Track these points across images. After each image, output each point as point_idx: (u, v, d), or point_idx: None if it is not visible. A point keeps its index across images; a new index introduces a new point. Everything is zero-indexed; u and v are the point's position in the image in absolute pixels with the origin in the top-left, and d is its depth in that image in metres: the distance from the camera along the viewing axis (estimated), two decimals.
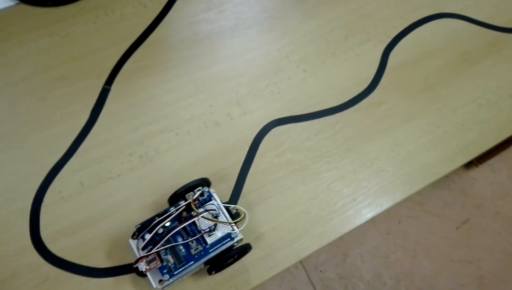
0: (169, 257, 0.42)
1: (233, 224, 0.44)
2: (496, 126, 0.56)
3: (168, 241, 0.43)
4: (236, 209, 0.46)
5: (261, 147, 0.53)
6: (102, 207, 0.49)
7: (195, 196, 0.45)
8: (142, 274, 0.42)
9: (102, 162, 0.50)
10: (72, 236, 0.47)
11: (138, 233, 0.43)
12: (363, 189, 0.51)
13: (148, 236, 0.42)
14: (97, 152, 0.51)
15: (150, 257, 0.42)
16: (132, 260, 0.42)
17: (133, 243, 0.43)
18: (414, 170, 0.52)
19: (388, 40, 0.61)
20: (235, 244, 0.45)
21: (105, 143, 0.52)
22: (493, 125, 0.56)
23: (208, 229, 0.43)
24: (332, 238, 0.49)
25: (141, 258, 0.41)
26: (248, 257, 0.47)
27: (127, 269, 0.46)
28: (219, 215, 0.44)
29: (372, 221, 1.07)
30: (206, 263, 0.44)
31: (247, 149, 0.53)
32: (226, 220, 0.44)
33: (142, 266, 0.41)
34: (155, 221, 0.43)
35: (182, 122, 0.54)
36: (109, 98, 0.55)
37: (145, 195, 0.49)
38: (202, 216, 0.43)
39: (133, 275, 0.45)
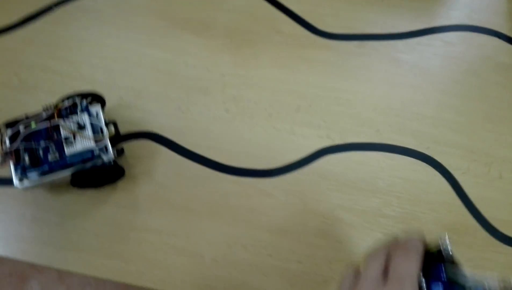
0: (27, 157, 0.44)
1: (94, 139, 0.45)
2: None
3: (28, 141, 0.45)
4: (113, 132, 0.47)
5: None
6: None
7: (65, 104, 0.46)
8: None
9: None
10: None
11: (6, 133, 0.45)
12: None
13: (9, 132, 0.45)
14: None
15: (9, 151, 0.44)
16: None
17: None
18: None
19: None
20: (103, 162, 0.46)
21: None
22: None
23: (66, 139, 0.45)
24: None
25: (1, 152, 0.44)
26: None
27: None
28: (86, 130, 0.45)
29: None
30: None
31: None
32: (86, 135, 0.45)
33: None
34: (21, 120, 0.45)
35: None
36: None
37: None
38: (62, 125, 0.44)
39: None
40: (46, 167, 0.45)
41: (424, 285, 0.28)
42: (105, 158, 0.47)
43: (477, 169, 0.53)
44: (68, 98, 0.48)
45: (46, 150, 0.45)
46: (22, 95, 0.56)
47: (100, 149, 0.46)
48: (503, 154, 0.53)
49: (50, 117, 0.45)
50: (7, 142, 0.45)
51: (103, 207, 0.51)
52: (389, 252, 0.31)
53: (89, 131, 0.46)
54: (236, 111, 0.56)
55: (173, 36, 0.60)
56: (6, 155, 0.44)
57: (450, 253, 0.30)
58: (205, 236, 0.50)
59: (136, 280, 0.49)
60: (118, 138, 0.50)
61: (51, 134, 0.46)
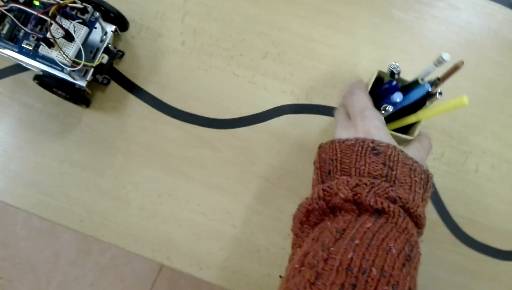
0: (7, 28, 0.41)
1: (74, 60, 0.39)
2: None
3: (17, 15, 0.40)
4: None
5: None
6: None
7: (69, 3, 0.39)
8: None
9: None
10: None
11: None
12: None
13: None
14: None
15: None
16: None
17: None
18: None
19: None
20: (73, 81, 0.42)
21: None
22: None
23: (44, 38, 0.38)
24: None
25: None
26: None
27: None
28: (73, 41, 0.40)
29: None
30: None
31: None
32: (65, 51, 0.39)
33: None
34: None
35: None
36: None
37: None
38: (53, 23, 0.38)
39: None
40: (16, 49, 0.41)
41: (386, 106, 0.36)
42: (77, 82, 0.42)
43: (452, 157, 0.47)
44: (84, 1, 0.41)
45: (25, 36, 0.41)
46: None
47: (74, 72, 0.40)
48: (486, 145, 0.47)
49: (52, 7, 0.39)
50: (2, 1, 0.40)
51: (43, 123, 0.45)
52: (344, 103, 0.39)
53: (72, 48, 0.39)
54: (193, 45, 0.48)
55: None
56: None
57: (398, 68, 0.37)
58: (135, 181, 0.45)
59: (51, 215, 0.44)
60: (105, 70, 0.43)
61: (42, 25, 0.40)
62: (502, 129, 0.47)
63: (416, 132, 0.39)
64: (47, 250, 1.14)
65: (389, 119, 0.40)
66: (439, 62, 0.32)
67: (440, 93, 0.37)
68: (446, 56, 0.32)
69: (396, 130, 0.40)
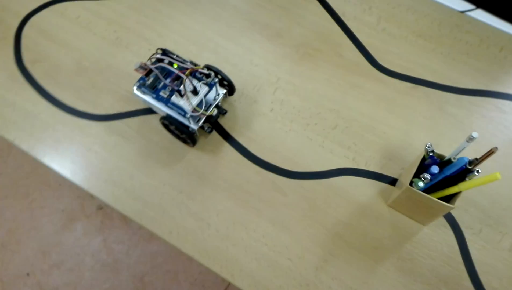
0: (151, 80, 0.57)
1: (195, 108, 0.54)
2: None
3: (161, 72, 0.56)
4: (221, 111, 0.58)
5: None
6: None
7: (199, 69, 0.55)
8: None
9: None
10: None
11: (158, 54, 0.57)
12: None
13: (159, 56, 0.57)
14: None
15: (145, 67, 0.56)
16: None
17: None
18: None
19: None
20: (188, 124, 0.55)
21: None
22: None
23: (178, 89, 0.53)
24: None
25: (143, 63, 0.56)
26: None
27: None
28: (197, 96, 0.54)
29: None
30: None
31: None
32: (191, 101, 0.54)
33: (136, 64, 0.56)
34: (172, 56, 0.57)
35: None
36: None
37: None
38: (186, 81, 0.53)
39: None
40: (154, 95, 0.57)
41: (424, 175, 0.45)
42: (191, 125, 0.56)
43: (489, 234, 0.53)
44: (209, 68, 0.58)
45: (163, 87, 0.57)
46: (114, 48, 0.67)
47: (192, 116, 0.55)
48: None
49: (187, 70, 0.55)
50: (152, 60, 0.57)
51: (157, 154, 0.60)
52: None
53: (195, 100, 0.55)
54: (279, 112, 0.61)
55: (249, 36, 0.67)
56: (144, 66, 0.56)
57: (433, 149, 0.47)
58: (217, 208, 0.56)
59: (148, 224, 0.56)
60: (212, 121, 0.59)
61: (177, 80, 0.56)
62: None
63: (457, 202, 0.47)
64: (107, 283, 1.25)
65: (435, 188, 0.48)
66: (470, 139, 0.41)
67: (478, 171, 0.45)
68: (475, 134, 0.41)
69: (441, 198, 0.48)
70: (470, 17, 0.68)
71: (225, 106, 0.62)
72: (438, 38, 0.65)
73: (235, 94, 0.62)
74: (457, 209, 0.54)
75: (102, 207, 1.35)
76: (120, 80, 0.64)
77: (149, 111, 0.62)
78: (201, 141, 0.60)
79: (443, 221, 0.54)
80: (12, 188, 1.37)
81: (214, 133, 0.61)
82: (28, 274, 1.26)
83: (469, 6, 0.69)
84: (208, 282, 1.24)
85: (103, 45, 0.68)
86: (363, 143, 0.59)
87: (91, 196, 1.28)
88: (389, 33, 0.66)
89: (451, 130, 0.59)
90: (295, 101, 0.62)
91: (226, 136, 0.60)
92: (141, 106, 0.63)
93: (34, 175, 1.39)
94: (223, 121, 0.61)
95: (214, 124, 0.61)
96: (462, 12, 0.68)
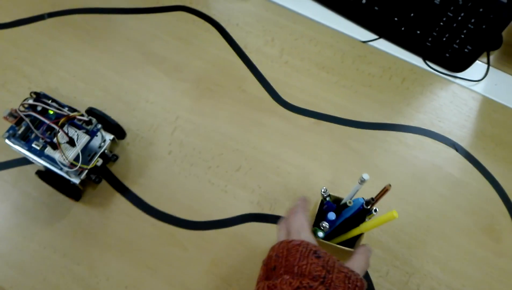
0: (22, 129, 0.50)
1: (71, 160, 0.47)
2: None
3: (33, 120, 0.49)
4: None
5: None
6: None
7: (78, 116, 0.49)
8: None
9: None
10: None
11: (31, 99, 0.50)
12: None
13: (31, 102, 0.49)
14: None
15: (16, 115, 0.49)
16: None
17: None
18: None
19: None
20: (68, 178, 0.50)
21: None
22: None
23: (51, 141, 0.47)
24: None
25: (13, 109, 0.49)
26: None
27: None
28: (75, 146, 0.47)
29: None
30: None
31: None
32: (66, 154, 0.47)
33: (5, 112, 0.49)
34: (46, 101, 0.50)
35: None
36: None
37: None
38: (60, 132, 0.46)
39: None
40: (26, 147, 0.50)
41: (323, 223, 0.43)
42: (72, 179, 0.50)
43: (396, 276, 0.51)
44: (90, 114, 0.51)
45: (35, 138, 0.49)
46: None
47: (71, 171, 0.48)
48: (427, 267, 0.52)
49: (62, 119, 0.48)
50: (23, 107, 0.49)
51: (36, 211, 0.52)
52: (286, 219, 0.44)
53: (73, 152, 0.47)
54: (179, 155, 0.56)
55: (144, 70, 0.62)
56: (13, 114, 0.49)
57: (328, 193, 0.45)
58: (108, 272, 0.50)
59: None
60: (100, 170, 0.53)
61: (51, 130, 0.49)
62: (441, 254, 0.52)
63: (360, 244, 0.44)
64: None
65: (336, 233, 0.46)
66: (361, 181, 0.39)
67: (375, 210, 0.43)
68: (365, 175, 0.39)
69: (343, 242, 0.45)
70: (372, 47, 0.67)
71: (116, 151, 0.56)
72: (341, 70, 0.64)
73: (128, 136, 0.56)
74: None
75: None
76: None
77: (27, 160, 0.54)
78: (88, 192, 0.53)
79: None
80: None
81: (104, 182, 0.54)
82: None
83: (372, 36, 0.69)
84: None
85: None
86: (267, 185, 0.55)
87: None
88: (292, 66, 0.63)
89: (355, 166, 0.57)
90: (195, 141, 0.57)
91: (117, 185, 0.54)
92: (17, 155, 0.54)
93: None
94: (114, 168, 0.55)
95: (102, 173, 0.54)
96: (365, 42, 0.68)
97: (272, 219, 0.53)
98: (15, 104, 0.57)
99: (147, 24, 0.65)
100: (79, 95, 0.59)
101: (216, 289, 0.49)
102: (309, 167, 0.56)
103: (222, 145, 0.57)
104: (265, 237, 0.52)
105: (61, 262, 0.50)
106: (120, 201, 0.53)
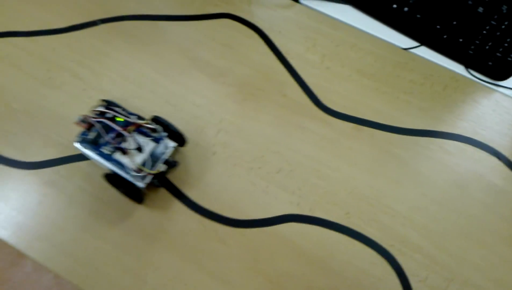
0: (92, 134, 0.53)
1: (138, 166, 0.50)
2: None
3: (104, 126, 0.52)
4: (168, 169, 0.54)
5: None
6: None
7: (146, 124, 0.52)
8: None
9: None
10: None
11: (101, 106, 0.54)
12: None
13: (101, 108, 0.53)
14: None
15: (87, 121, 0.52)
16: None
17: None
18: None
19: None
20: (133, 181, 0.51)
21: None
22: None
23: (121, 147, 0.50)
24: None
25: (85, 116, 0.52)
26: None
27: None
28: (142, 152, 0.51)
29: None
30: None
31: None
32: (135, 159, 0.50)
33: (77, 118, 0.53)
34: (116, 109, 0.53)
35: None
36: None
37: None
38: (129, 138, 0.50)
39: None
40: (96, 151, 0.52)
41: None
42: (137, 183, 0.52)
43: (435, 281, 0.51)
44: (157, 122, 0.54)
45: (106, 143, 0.52)
46: (46, 90, 0.63)
47: (137, 176, 0.51)
48: (467, 274, 0.52)
49: (130, 125, 0.51)
50: (94, 113, 0.53)
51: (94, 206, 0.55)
52: None
53: (140, 157, 0.51)
54: (222, 156, 0.58)
55: (190, 74, 0.65)
56: (85, 120, 0.53)
57: None
58: (154, 264, 0.52)
59: (81, 283, 0.51)
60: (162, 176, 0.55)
61: (120, 136, 0.52)
62: (482, 262, 0.52)
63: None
64: None
65: None
66: None
67: None
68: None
69: None
70: (414, 54, 0.68)
71: (176, 158, 0.58)
72: (382, 76, 0.65)
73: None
74: (401, 254, 0.53)
75: None
76: (53, 124, 0.60)
77: (80, 157, 0.57)
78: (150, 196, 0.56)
79: (388, 268, 0.52)
80: None
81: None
82: None
83: (413, 43, 0.69)
84: None
85: (35, 85, 0.63)
86: (307, 187, 0.57)
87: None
88: (333, 72, 0.65)
89: (395, 172, 0.58)
90: (238, 143, 0.59)
91: (169, 186, 0.57)
92: (71, 152, 0.58)
93: None
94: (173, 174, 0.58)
95: (161, 178, 0.57)
96: (406, 49, 0.68)
97: (312, 220, 0.55)
98: (69, 105, 0.61)
99: (193, 30, 0.69)
100: (130, 97, 0.63)
101: (256, 284, 0.51)
102: (349, 171, 0.58)
103: (264, 148, 0.59)
104: (304, 237, 0.54)
105: (114, 252, 0.53)
106: (169, 198, 0.56)
